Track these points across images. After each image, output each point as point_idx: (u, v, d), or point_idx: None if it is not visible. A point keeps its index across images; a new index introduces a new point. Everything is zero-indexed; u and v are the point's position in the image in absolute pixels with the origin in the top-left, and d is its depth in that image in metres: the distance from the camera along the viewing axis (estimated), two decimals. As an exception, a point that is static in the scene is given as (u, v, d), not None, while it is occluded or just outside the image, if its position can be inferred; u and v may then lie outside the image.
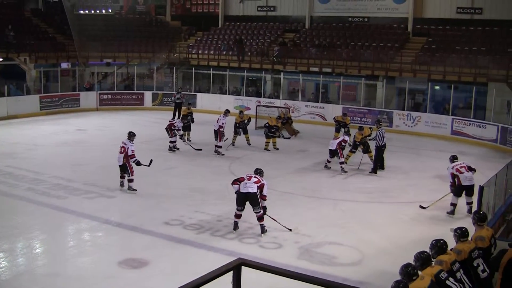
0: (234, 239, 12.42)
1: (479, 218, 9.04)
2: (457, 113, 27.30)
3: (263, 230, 12.64)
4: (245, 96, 32.80)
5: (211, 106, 31.86)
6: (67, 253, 11.65)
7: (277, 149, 22.29)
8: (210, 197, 15.54)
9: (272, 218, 12.85)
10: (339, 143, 18.84)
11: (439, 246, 7.83)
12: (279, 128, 23.02)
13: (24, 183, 16.41)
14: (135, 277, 10.45)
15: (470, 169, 14.56)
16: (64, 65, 34.47)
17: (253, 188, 12.42)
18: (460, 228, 8.43)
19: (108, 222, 13.37)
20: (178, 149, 21.65)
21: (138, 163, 15.89)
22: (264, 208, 12.67)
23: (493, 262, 8.23)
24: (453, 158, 15.03)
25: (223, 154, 21.15)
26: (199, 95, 33.38)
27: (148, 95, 33.59)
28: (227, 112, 22.25)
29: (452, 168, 14.57)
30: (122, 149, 15.80)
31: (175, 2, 41.66)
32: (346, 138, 19.27)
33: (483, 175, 16.24)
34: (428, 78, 28.62)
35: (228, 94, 33.36)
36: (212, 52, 35.77)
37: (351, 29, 34.59)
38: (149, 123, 28.40)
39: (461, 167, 14.48)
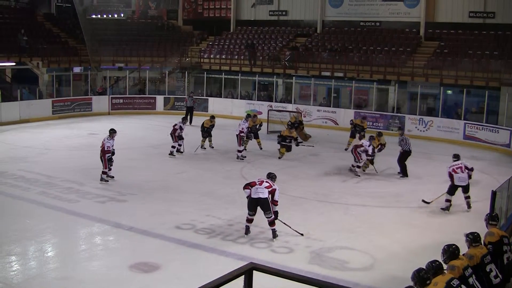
0: (245, 244, 12.40)
1: (491, 218, 9.14)
2: (469, 118, 27.17)
3: (275, 234, 12.61)
4: (257, 100, 32.82)
5: (223, 110, 31.88)
6: (78, 257, 11.67)
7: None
8: (221, 201, 15.54)
9: (284, 223, 12.82)
10: (357, 146, 18.89)
11: (451, 251, 7.80)
12: (294, 137, 22.05)
13: (36, 187, 16.48)
14: (146, 281, 10.45)
15: (467, 168, 15.17)
16: (77, 69, 34.68)
17: (264, 194, 12.41)
18: (472, 233, 8.39)
19: (119, 226, 13.39)
20: (182, 152, 21.79)
21: (110, 160, 17.33)
22: (276, 213, 12.65)
23: (509, 267, 8.19)
24: (454, 157, 15.86)
25: (243, 158, 21.19)
26: (210, 99, 33.42)
27: (160, 99, 33.67)
28: (248, 117, 22.44)
29: (450, 168, 15.23)
30: (102, 143, 17.31)
31: (187, 6, 41.78)
32: (366, 143, 19.00)
33: (495, 180, 16.20)
34: (440, 83, 28.55)
35: (240, 99, 33.36)
36: (224, 56, 35.82)
37: (363, 33, 34.56)
38: (160, 127, 28.41)
39: (457, 168, 15.18)
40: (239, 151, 21.37)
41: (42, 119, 28.92)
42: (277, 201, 12.62)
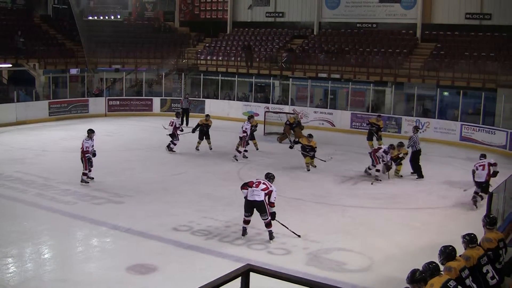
0: (242, 245, 12.40)
1: (489, 222, 9.07)
2: (466, 119, 27.20)
3: (271, 236, 12.60)
4: (254, 102, 32.82)
5: (220, 112, 31.86)
6: (75, 259, 11.66)
7: (315, 166, 20.30)
8: (218, 203, 15.52)
9: (282, 224, 12.80)
10: (376, 150, 18.77)
11: (447, 252, 7.80)
12: (313, 146, 20.00)
13: (33, 189, 16.45)
14: (144, 283, 10.43)
15: (490, 164, 15.93)
16: (73, 71, 34.68)
17: (259, 196, 12.38)
18: (469, 234, 8.39)
19: (116, 227, 13.37)
20: (174, 151, 22.33)
21: (90, 160, 17.24)
22: (273, 214, 12.60)
23: (505, 267, 8.19)
24: (480, 156, 16.63)
25: (237, 160, 21.27)
26: (207, 101, 33.39)
27: (156, 101, 33.63)
28: (250, 118, 22.59)
29: (474, 166, 16.12)
30: (81, 144, 17.33)
31: (184, 8, 41.77)
32: (385, 149, 18.63)
33: (492, 182, 16.22)
34: (436, 84, 28.60)
35: (237, 100, 33.36)
36: (220, 58, 35.82)
37: (360, 35, 34.57)
38: (157, 129, 28.38)
39: (479, 166, 15.96)
40: (239, 152, 21.50)
41: (38, 121, 28.91)
42: (273, 203, 12.54)
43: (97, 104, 32.46)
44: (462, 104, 27.22)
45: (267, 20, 38.52)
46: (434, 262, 7.32)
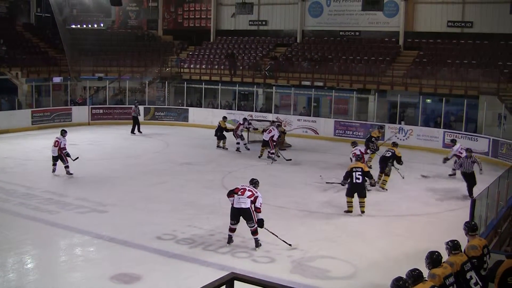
0: (226, 253, 12.37)
1: (470, 228, 9.12)
2: (448, 126, 27.38)
3: (257, 244, 12.56)
4: (237, 110, 32.81)
5: (203, 120, 31.85)
6: (58, 268, 11.57)
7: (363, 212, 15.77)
8: (202, 211, 15.48)
9: (272, 233, 12.70)
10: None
11: (434, 258, 7.84)
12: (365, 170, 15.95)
13: (15, 198, 16.33)
14: (127, 292, 10.39)
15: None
16: (56, 79, 34.55)
17: (246, 204, 12.36)
18: (452, 241, 8.44)
19: (100, 236, 13.30)
20: (248, 149, 24.81)
21: (68, 155, 19.18)
22: (261, 221, 12.52)
23: (489, 273, 8.24)
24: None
25: (276, 159, 22.60)
26: (191, 109, 33.35)
27: (140, 109, 33.46)
28: (276, 125, 24.01)
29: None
30: (56, 143, 19.05)
31: (167, 16, 41.78)
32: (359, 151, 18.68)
33: (475, 188, 16.31)
34: (419, 92, 28.77)
35: (220, 108, 33.30)
36: (204, 66, 35.83)
37: (343, 43, 34.78)
38: (141, 137, 28.40)
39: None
40: (272, 153, 22.58)
41: (21, 130, 28.72)
42: (259, 209, 12.48)
43: (80, 112, 32.33)
44: (445, 111, 27.40)
45: (250, 28, 38.61)
46: (418, 269, 7.35)
